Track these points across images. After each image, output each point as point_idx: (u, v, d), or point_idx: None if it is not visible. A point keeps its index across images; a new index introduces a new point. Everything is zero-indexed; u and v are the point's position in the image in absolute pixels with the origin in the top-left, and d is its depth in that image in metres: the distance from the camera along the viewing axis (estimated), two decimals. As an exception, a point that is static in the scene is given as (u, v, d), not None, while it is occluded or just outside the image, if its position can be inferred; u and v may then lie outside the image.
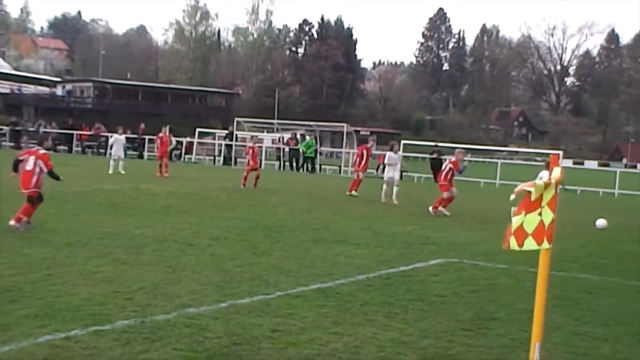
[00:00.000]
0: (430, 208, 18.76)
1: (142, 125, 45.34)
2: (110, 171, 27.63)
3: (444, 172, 19.37)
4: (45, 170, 12.47)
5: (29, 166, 12.38)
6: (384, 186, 21.48)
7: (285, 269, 9.81)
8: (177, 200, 18.60)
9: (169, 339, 6.23)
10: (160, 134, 29.99)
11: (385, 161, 21.83)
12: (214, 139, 50.21)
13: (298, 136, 42.94)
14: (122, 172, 27.78)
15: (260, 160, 44.25)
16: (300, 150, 40.89)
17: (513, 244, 4.58)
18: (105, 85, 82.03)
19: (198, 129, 48.80)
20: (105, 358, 5.73)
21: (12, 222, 11.91)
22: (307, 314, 7.35)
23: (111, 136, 33.15)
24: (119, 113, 68.31)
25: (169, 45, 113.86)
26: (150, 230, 12.77)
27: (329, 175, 38.77)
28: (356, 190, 23.61)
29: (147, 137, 43.82)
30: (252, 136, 31.02)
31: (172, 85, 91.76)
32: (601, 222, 16.79)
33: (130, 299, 7.58)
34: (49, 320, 6.63)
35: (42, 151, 12.86)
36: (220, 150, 45.31)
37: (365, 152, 25.00)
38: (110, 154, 30.24)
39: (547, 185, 4.55)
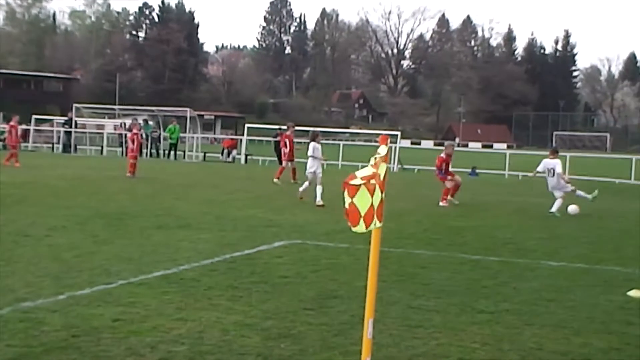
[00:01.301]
0: (440, 202, 18.26)
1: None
2: None
3: (438, 169, 19.10)
4: None
5: None
6: (306, 183, 18.15)
7: (127, 257, 9.62)
8: (12, 190, 17.76)
9: (1, 335, 5.97)
10: (12, 122, 28.68)
11: (309, 153, 18.47)
12: (52, 125, 48.25)
13: (140, 121, 41.99)
14: None
15: (102, 147, 43.14)
16: (143, 135, 40.02)
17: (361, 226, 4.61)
18: None
19: (35, 116, 46.68)
20: None
21: None
22: (150, 302, 7.26)
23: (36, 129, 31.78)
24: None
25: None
26: (-19, 223, 12.13)
27: (171, 161, 38.17)
28: (278, 179, 23.32)
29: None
30: (134, 123, 30.26)
31: (4, 70, 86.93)
32: (573, 209, 16.76)
33: (-41, 296, 7.19)
34: None
35: None
36: (59, 138, 43.63)
37: (287, 140, 24.72)
38: None
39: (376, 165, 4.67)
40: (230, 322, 6.67)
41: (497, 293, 8.33)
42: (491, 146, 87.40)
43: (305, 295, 7.85)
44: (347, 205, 4.57)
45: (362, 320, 4.95)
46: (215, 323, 6.61)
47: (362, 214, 4.58)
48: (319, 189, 17.22)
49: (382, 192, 4.59)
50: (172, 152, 39.36)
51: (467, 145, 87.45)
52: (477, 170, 35.64)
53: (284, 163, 24.63)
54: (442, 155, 19.36)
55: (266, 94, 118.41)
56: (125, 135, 41.31)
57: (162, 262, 9.35)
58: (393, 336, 6.40)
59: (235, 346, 6.00)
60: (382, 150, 4.71)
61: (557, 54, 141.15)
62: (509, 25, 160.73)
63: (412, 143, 76.49)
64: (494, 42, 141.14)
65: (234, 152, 40.30)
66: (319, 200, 16.96)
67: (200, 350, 5.87)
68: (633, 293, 8.34)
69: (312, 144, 18.38)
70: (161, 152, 40.37)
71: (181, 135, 40.77)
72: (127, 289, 7.82)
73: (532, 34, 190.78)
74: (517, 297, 8.16)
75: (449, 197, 18.40)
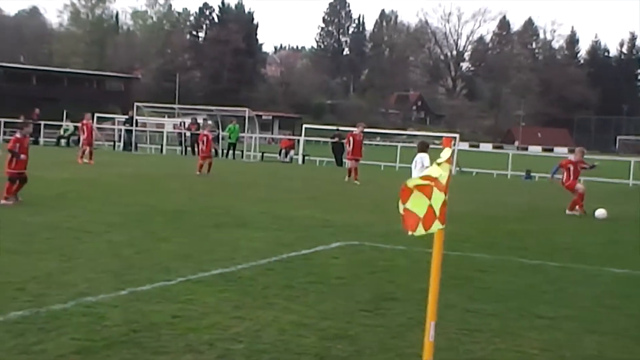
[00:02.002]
0: (567, 211, 17.46)
1: (37, 111, 43.89)
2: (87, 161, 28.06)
3: (567, 174, 17.93)
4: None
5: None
6: None
7: (185, 254, 9.74)
8: (73, 187, 18.16)
9: (65, 328, 6.11)
10: (84, 121, 29.41)
11: (417, 166, 15.93)
12: (114, 124, 49.18)
13: (200, 121, 42.47)
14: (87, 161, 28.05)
15: (162, 145, 43.78)
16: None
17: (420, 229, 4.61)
18: (-4, 69, 78.85)
19: (97, 114, 47.67)
20: (-4, 350, 5.56)
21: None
22: (208, 299, 7.34)
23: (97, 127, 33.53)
24: (11, 97, 65.79)
25: (64, 28, 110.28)
26: (43, 218, 12.41)
27: (229, 161, 38.48)
28: (356, 179, 23.55)
29: (42, 122, 42.66)
30: (206, 124, 31.10)
31: (68, 69, 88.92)
32: (600, 213, 16.40)
33: (23, 290, 7.36)
34: (-64, 315, 6.37)
35: (16, 135, 14.91)
36: (120, 136, 44.43)
37: (352, 139, 24.73)
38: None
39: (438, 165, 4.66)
40: (287, 321, 6.69)
41: (557, 298, 8.19)
42: (551, 150, 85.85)
43: (361, 297, 7.83)
44: (401, 211, 4.55)
45: (420, 323, 4.92)
46: (272, 322, 6.64)
47: (421, 217, 4.55)
48: None
49: (445, 194, 4.55)
50: (231, 152, 39.65)
51: (526, 149, 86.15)
52: (537, 175, 35.09)
53: (349, 164, 24.52)
54: (571, 157, 18.58)
55: (323, 94, 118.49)
56: (185, 134, 41.99)
57: (220, 260, 9.43)
58: (450, 340, 6.34)
59: (292, 345, 6.02)
60: (446, 153, 4.70)
61: (622, 56, 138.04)
62: (572, 27, 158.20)
63: (470, 146, 75.49)
64: (556, 45, 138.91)
65: (292, 152, 40.45)
66: None
67: (258, 348, 5.90)
68: None
69: (421, 156, 16.11)
70: (220, 151, 40.71)
71: (240, 135, 41.06)
72: (186, 286, 7.91)
73: (596, 37, 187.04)
74: (577, 303, 8.01)
75: (569, 209, 17.52)
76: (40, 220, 12.17)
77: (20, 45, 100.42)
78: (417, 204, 4.52)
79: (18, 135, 14.99)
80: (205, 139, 25.29)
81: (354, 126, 27.34)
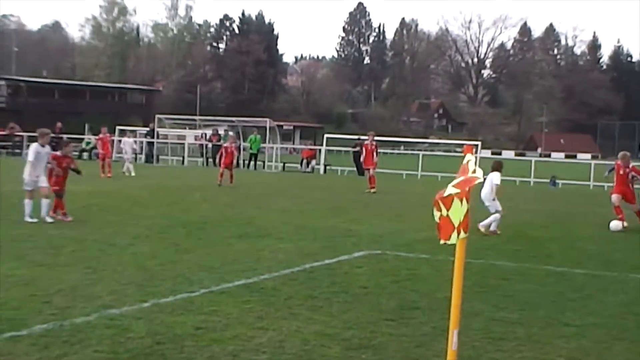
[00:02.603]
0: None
1: (59, 124, 44.20)
2: (134, 173, 28.67)
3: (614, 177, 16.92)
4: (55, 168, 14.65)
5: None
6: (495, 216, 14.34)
7: (208, 265, 9.75)
8: (97, 200, 18.26)
9: (89, 341, 6.13)
10: (101, 135, 29.80)
11: (486, 184, 14.52)
12: (135, 136, 49.50)
13: (221, 132, 42.60)
14: (133, 174, 28.67)
15: (183, 157, 43.99)
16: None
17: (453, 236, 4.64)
18: (19, 84, 79.69)
19: (118, 127, 48.00)
20: (21, 364, 5.59)
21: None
22: (232, 310, 7.33)
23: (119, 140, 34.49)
24: (35, 112, 66.45)
25: (86, 41, 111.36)
26: (69, 231, 12.50)
27: (251, 171, 38.57)
28: (372, 187, 23.69)
29: (64, 136, 42.91)
30: (229, 136, 31.51)
31: (91, 83, 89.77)
32: (615, 224, 15.83)
33: (48, 302, 7.40)
34: (-39, 328, 6.41)
35: (57, 152, 15.37)
36: (141, 148, 44.72)
37: (363, 149, 25.06)
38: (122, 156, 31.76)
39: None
40: (311, 331, 6.66)
41: (584, 306, 8.09)
42: (575, 156, 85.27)
43: (385, 306, 7.79)
44: (437, 219, 4.55)
45: (444, 332, 4.88)
46: (296, 332, 6.62)
47: (456, 226, 4.55)
48: (493, 216, 14.30)
49: (467, 203, 4.54)
50: (252, 162, 39.71)
51: (549, 155, 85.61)
52: (560, 181, 34.84)
53: (370, 171, 24.65)
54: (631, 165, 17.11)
55: (345, 104, 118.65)
56: (206, 145, 42.15)
57: (243, 271, 9.43)
58: (476, 348, 6.29)
59: (315, 356, 5.99)
60: (470, 160, 4.70)
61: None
62: (594, 32, 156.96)
63: (492, 153, 75.13)
64: (577, 50, 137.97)
65: (313, 162, 40.43)
66: (490, 225, 14.30)
67: (281, 359, 5.88)
68: None
69: (491, 175, 14.73)
70: (241, 162, 40.78)
71: (261, 145, 41.14)
72: (209, 297, 7.91)
73: (618, 42, 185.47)
74: (604, 311, 7.91)
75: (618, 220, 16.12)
76: (65, 233, 12.25)
77: (43, 60, 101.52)
78: (456, 212, 4.52)
79: (58, 153, 15.29)
80: (224, 150, 25.51)
81: (376, 135, 27.40)
